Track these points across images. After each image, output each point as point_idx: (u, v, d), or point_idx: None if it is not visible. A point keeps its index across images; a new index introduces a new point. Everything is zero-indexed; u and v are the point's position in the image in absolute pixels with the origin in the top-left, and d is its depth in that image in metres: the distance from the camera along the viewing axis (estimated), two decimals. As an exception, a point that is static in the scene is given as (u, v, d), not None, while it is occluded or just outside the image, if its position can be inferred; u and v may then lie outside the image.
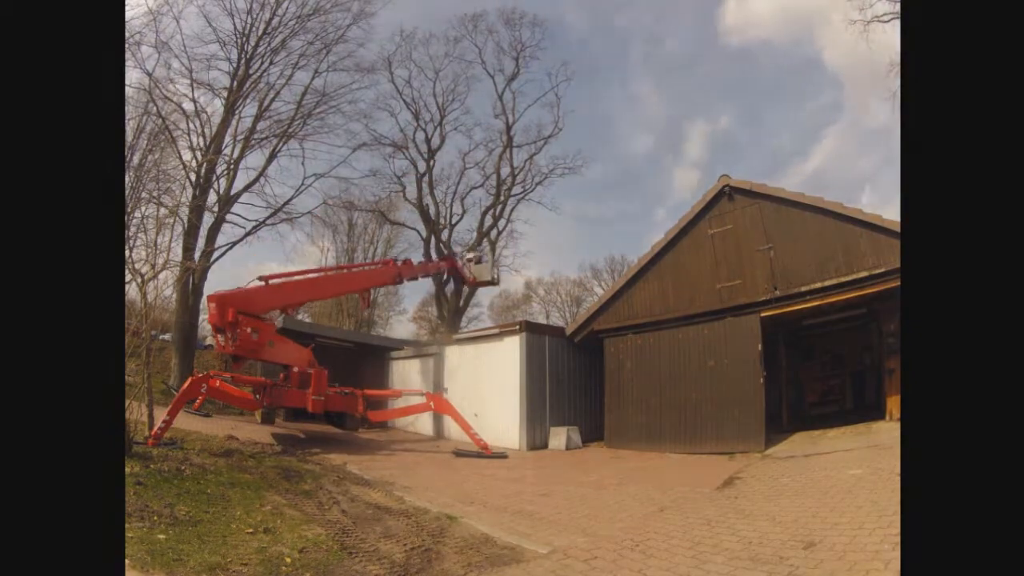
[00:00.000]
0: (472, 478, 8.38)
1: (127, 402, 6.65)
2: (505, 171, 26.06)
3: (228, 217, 17.16)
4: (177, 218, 14.25)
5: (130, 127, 13.23)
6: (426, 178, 25.50)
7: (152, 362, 8.43)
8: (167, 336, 16.70)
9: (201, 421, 10.89)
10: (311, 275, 11.97)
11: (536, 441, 12.08)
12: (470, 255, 16.08)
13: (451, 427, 13.16)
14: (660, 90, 60.19)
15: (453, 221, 26.26)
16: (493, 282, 16.73)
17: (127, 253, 8.17)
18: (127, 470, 5.49)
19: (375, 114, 22.87)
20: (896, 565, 3.43)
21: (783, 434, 10.12)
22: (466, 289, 25.68)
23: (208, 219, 16.69)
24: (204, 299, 17.06)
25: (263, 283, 10.65)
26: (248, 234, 17.42)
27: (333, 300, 33.28)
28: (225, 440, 9.11)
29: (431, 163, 25.63)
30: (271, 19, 17.66)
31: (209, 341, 21.14)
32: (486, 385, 13.16)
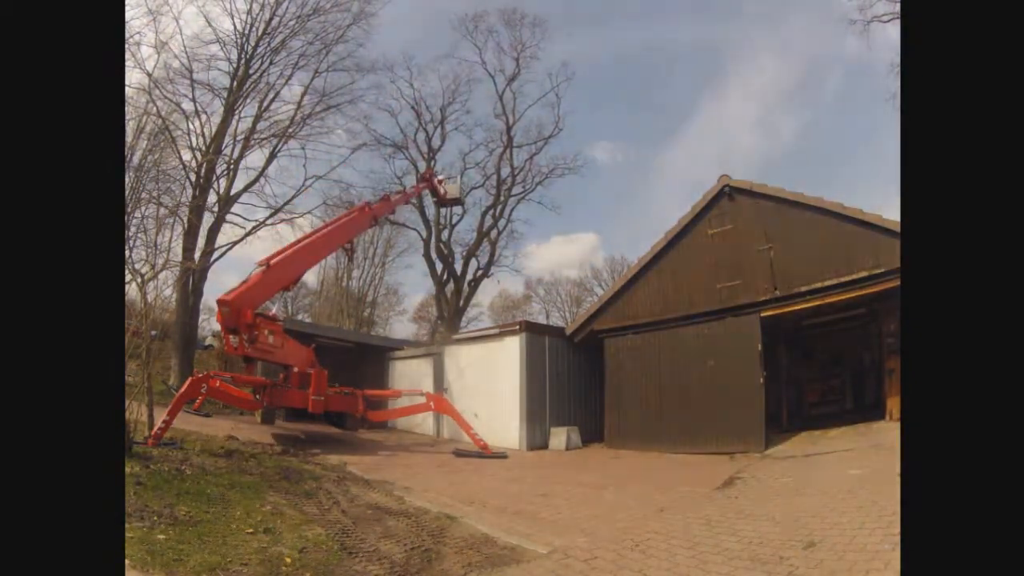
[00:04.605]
0: (472, 478, 8.38)
1: (127, 402, 6.64)
2: (505, 171, 26.07)
3: (228, 217, 17.15)
4: (177, 218, 14.32)
5: (130, 127, 13.27)
6: (426, 178, 25.49)
7: (152, 362, 8.42)
8: (153, 332, 16.61)
9: (201, 421, 10.88)
10: (302, 242, 11.81)
11: (536, 441, 12.08)
12: (442, 176, 17.92)
13: (451, 427, 13.16)
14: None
15: (453, 221, 26.28)
16: (460, 200, 18.83)
17: (127, 253, 8.19)
18: (127, 470, 5.48)
19: (375, 114, 22.88)
20: (896, 565, 3.43)
21: (783, 434, 10.12)
22: (463, 285, 25.75)
23: (208, 219, 16.69)
24: (204, 300, 17.18)
25: (266, 266, 10.41)
26: (248, 234, 17.41)
27: (333, 302, 33.44)
28: (225, 440, 9.10)
29: (431, 163, 25.62)
30: (271, 19, 17.67)
31: (209, 341, 21.17)
32: (486, 385, 13.16)
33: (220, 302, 9.74)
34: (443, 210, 25.79)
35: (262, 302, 10.21)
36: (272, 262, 10.55)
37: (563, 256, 60.35)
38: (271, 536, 4.30)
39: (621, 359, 11.75)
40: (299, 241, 11.96)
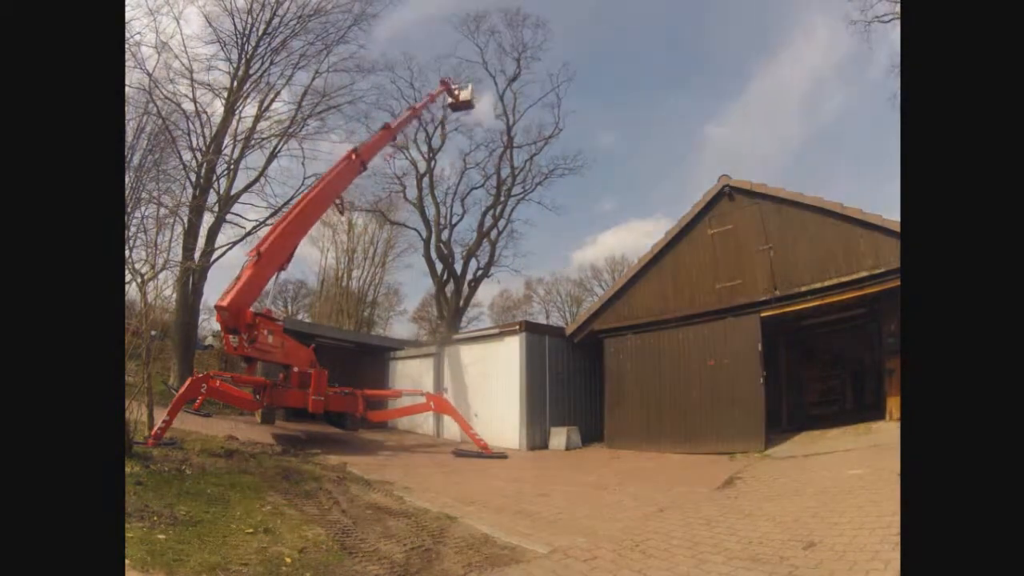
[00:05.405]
0: (472, 478, 8.38)
1: (127, 402, 6.64)
2: (505, 171, 26.06)
3: (228, 217, 17.13)
4: (177, 218, 14.27)
5: (130, 127, 13.20)
6: (426, 178, 25.49)
7: (151, 362, 8.42)
8: (154, 333, 16.53)
9: (201, 421, 10.88)
10: (290, 215, 11.45)
11: (536, 441, 12.09)
12: (456, 85, 19.18)
13: (451, 427, 13.17)
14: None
15: (453, 221, 26.24)
16: (472, 104, 19.77)
17: (127, 253, 8.18)
18: (127, 470, 5.48)
19: (375, 114, 22.79)
20: (896, 565, 3.43)
21: (783, 434, 10.13)
22: (463, 285, 25.76)
23: (208, 219, 16.68)
24: (204, 300, 17.16)
25: (257, 255, 10.30)
26: (248, 234, 17.33)
27: (333, 302, 33.44)
28: (225, 440, 9.10)
29: (431, 163, 25.61)
30: (271, 19, 17.64)
31: (209, 341, 21.17)
32: (486, 385, 13.17)
33: (218, 307, 9.70)
34: (442, 210, 25.85)
35: (260, 294, 10.13)
36: (263, 249, 10.44)
37: (624, 245, 58.33)
38: (271, 536, 4.30)
39: (621, 359, 11.75)
40: (286, 216, 11.61)
